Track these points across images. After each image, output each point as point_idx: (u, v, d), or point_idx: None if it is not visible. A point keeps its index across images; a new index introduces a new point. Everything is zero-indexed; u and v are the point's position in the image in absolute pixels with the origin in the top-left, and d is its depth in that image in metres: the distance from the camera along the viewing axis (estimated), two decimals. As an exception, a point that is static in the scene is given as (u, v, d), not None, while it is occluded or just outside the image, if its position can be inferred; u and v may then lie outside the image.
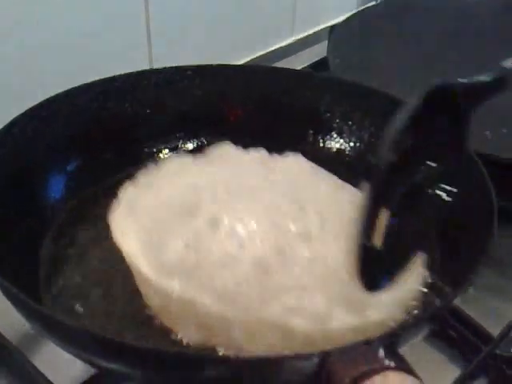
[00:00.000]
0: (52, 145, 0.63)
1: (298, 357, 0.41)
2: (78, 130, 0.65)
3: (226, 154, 0.62)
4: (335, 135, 0.71)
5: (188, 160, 0.61)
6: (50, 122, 0.63)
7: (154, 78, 0.70)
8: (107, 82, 0.67)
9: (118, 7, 0.79)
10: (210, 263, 0.50)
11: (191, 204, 0.54)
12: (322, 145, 0.71)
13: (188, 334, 0.50)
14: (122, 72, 0.68)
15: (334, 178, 0.61)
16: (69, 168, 0.64)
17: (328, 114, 0.71)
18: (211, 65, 0.72)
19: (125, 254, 0.54)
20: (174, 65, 0.71)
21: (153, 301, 0.52)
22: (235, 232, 0.51)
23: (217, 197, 0.54)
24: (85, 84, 0.66)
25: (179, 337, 0.50)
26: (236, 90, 0.71)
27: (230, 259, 0.50)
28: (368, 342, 0.41)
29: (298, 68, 0.90)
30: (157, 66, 0.77)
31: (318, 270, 0.51)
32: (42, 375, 0.52)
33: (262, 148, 0.62)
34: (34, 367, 0.52)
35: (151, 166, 0.61)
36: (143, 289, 0.53)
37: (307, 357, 0.41)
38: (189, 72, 0.71)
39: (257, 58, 0.98)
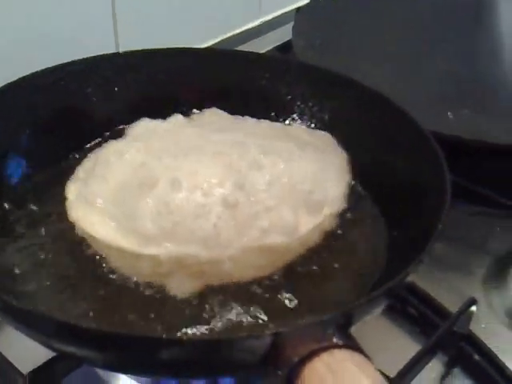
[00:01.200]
0: (14, 128, 0.63)
1: (249, 337, 0.42)
2: (40, 114, 0.65)
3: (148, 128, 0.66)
4: (296, 117, 0.71)
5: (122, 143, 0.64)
6: (12, 106, 0.63)
7: (117, 62, 0.70)
8: (69, 66, 0.67)
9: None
10: (185, 219, 0.55)
11: (145, 177, 0.57)
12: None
13: (181, 287, 0.53)
14: (88, 55, 0.68)
15: (248, 117, 0.68)
16: (29, 150, 0.64)
17: (289, 97, 0.71)
18: (173, 48, 0.72)
19: (95, 241, 0.56)
20: (139, 48, 0.71)
21: (141, 270, 0.55)
22: (196, 185, 0.57)
23: (165, 163, 0.58)
24: (47, 68, 0.66)
25: (172, 293, 0.53)
26: (197, 73, 0.71)
27: (200, 209, 0.56)
28: (318, 322, 0.41)
29: (264, 50, 0.90)
30: (122, 49, 0.78)
31: (276, 189, 0.58)
32: (5, 358, 0.52)
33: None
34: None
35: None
36: (124, 265, 0.55)
37: (258, 336, 0.41)
38: (152, 55, 0.71)
39: (223, 40, 0.98)
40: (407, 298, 0.61)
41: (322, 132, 0.67)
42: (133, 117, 0.68)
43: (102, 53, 0.70)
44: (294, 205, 0.58)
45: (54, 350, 0.47)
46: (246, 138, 0.62)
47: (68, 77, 0.67)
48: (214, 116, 0.68)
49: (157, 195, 0.56)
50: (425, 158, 0.58)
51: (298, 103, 0.71)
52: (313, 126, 0.70)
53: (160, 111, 0.68)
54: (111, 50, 0.83)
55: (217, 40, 0.98)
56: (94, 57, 0.69)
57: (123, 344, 0.42)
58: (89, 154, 0.64)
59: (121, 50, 0.83)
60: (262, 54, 0.85)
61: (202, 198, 0.56)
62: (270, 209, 0.57)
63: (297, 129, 0.68)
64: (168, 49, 0.71)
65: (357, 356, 0.39)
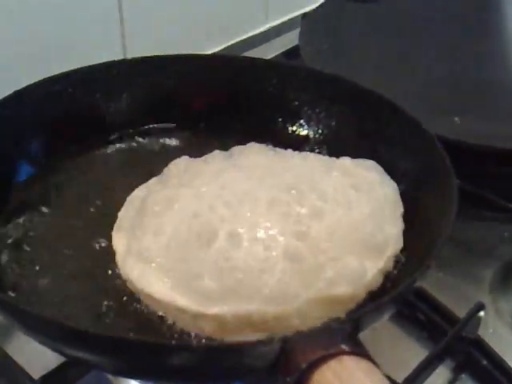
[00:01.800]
0: (22, 135, 0.64)
1: (258, 343, 0.42)
2: (48, 121, 0.66)
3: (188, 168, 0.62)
4: (303, 122, 0.71)
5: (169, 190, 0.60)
6: (20, 112, 0.64)
7: (125, 68, 0.71)
8: (77, 73, 0.68)
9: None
10: (249, 275, 0.52)
11: (201, 231, 0.54)
12: (290, 132, 0.72)
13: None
14: (95, 60, 0.69)
15: (290, 151, 0.65)
16: (37, 157, 0.65)
17: (296, 102, 0.71)
18: (181, 54, 0.72)
19: (151, 299, 0.53)
20: (147, 54, 0.71)
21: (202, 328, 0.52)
22: (256, 237, 0.54)
23: (220, 214, 0.55)
24: (55, 75, 0.66)
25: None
26: (205, 79, 0.71)
27: (263, 263, 0.52)
28: (327, 328, 0.42)
29: (271, 56, 0.91)
30: (130, 56, 0.78)
31: (339, 236, 0.55)
32: (15, 363, 0.53)
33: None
34: (7, 355, 0.54)
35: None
36: (183, 323, 0.53)
37: (267, 343, 0.41)
38: (159, 61, 0.71)
39: (230, 46, 0.98)
40: (415, 304, 0.61)
41: (367, 161, 0.63)
42: (141, 122, 0.69)
43: (108, 59, 0.70)
44: (358, 251, 0.55)
45: (65, 356, 0.47)
46: (298, 180, 0.59)
47: (76, 83, 0.68)
48: (254, 153, 0.64)
49: (216, 250, 0.53)
50: (432, 164, 0.58)
51: (305, 109, 0.71)
52: (320, 131, 0.70)
53: (168, 117, 0.70)
54: (118, 57, 0.82)
55: (223, 46, 0.98)
56: (102, 63, 0.69)
57: (135, 350, 0.42)
58: (128, 198, 0.62)
59: (128, 57, 0.83)
60: (270, 59, 0.85)
61: (264, 251, 0.53)
62: (334, 258, 0.54)
63: (342, 160, 0.64)
64: (176, 55, 0.72)
65: (365, 363, 0.39)
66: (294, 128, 0.71)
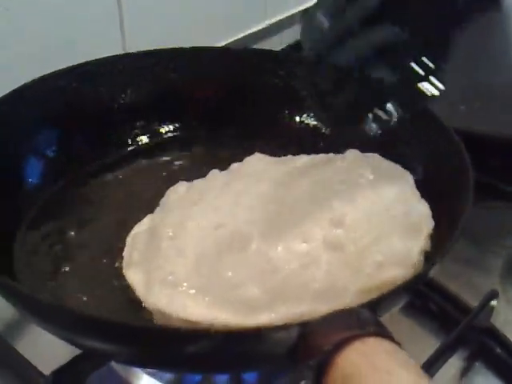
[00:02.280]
0: (28, 130, 0.63)
1: (277, 328, 0.41)
2: (53, 116, 0.65)
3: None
4: (311, 114, 0.71)
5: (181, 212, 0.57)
6: (25, 108, 0.63)
7: (129, 62, 0.70)
8: (81, 67, 0.67)
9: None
10: (293, 272, 0.49)
11: (230, 238, 0.52)
12: (298, 122, 0.71)
13: None
14: (95, 57, 0.68)
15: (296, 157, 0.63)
16: (46, 153, 0.64)
17: (304, 93, 0.71)
18: (185, 48, 0.72)
19: (184, 320, 0.48)
20: (148, 49, 0.71)
21: None
22: (292, 233, 0.52)
23: (243, 219, 0.53)
24: (59, 70, 0.66)
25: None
26: (211, 72, 0.71)
27: (306, 258, 0.50)
28: (348, 310, 0.41)
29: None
30: (131, 50, 0.78)
31: (375, 220, 0.53)
32: (25, 359, 0.52)
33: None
34: (17, 352, 0.53)
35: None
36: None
37: (287, 328, 0.41)
38: (163, 55, 0.71)
39: (230, 42, 0.98)
40: (427, 294, 0.61)
41: (370, 154, 0.62)
42: (148, 115, 0.68)
43: (108, 54, 0.69)
44: (397, 232, 0.53)
45: (80, 347, 0.47)
46: (315, 175, 0.59)
47: (80, 78, 0.67)
48: (256, 160, 0.62)
49: (254, 254, 0.50)
50: (447, 155, 0.58)
51: (312, 99, 0.70)
52: (327, 121, 0.70)
53: (175, 110, 0.69)
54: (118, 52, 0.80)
55: (222, 43, 0.97)
56: (107, 57, 0.69)
57: (151, 338, 0.41)
58: (131, 234, 0.57)
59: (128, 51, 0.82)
60: (277, 51, 0.84)
61: (303, 245, 0.50)
62: (377, 240, 0.52)
63: (350, 154, 0.63)
64: (182, 48, 0.71)
65: (388, 343, 0.38)
66: (302, 118, 0.71)
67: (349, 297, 0.48)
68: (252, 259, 0.50)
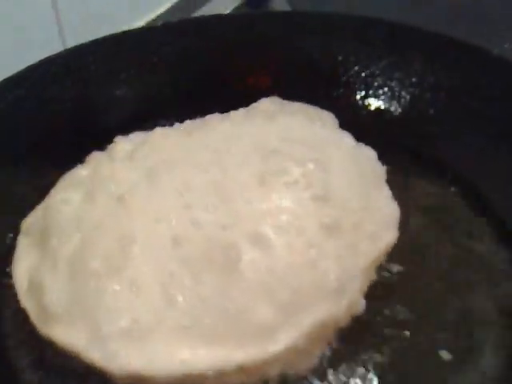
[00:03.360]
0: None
1: None
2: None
3: None
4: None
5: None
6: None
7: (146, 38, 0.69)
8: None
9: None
10: (300, 270, 0.44)
11: (217, 255, 0.43)
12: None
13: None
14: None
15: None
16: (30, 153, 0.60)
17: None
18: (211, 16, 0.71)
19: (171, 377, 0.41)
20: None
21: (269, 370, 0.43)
22: (280, 226, 0.46)
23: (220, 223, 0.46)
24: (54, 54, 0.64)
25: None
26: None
27: (308, 250, 0.45)
28: None
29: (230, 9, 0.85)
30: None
31: (355, 185, 0.50)
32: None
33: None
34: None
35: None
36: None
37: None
38: (188, 25, 0.69)
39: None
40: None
41: (325, 111, 0.57)
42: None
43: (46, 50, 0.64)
44: (378, 191, 0.50)
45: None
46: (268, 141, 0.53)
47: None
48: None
49: (247, 267, 0.42)
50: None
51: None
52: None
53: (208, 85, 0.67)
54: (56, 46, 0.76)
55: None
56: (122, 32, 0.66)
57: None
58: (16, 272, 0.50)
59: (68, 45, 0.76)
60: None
61: (298, 238, 0.44)
62: (365, 208, 0.48)
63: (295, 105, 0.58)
64: (203, 16, 0.71)
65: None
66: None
67: (359, 282, 0.45)
68: (249, 273, 0.42)
